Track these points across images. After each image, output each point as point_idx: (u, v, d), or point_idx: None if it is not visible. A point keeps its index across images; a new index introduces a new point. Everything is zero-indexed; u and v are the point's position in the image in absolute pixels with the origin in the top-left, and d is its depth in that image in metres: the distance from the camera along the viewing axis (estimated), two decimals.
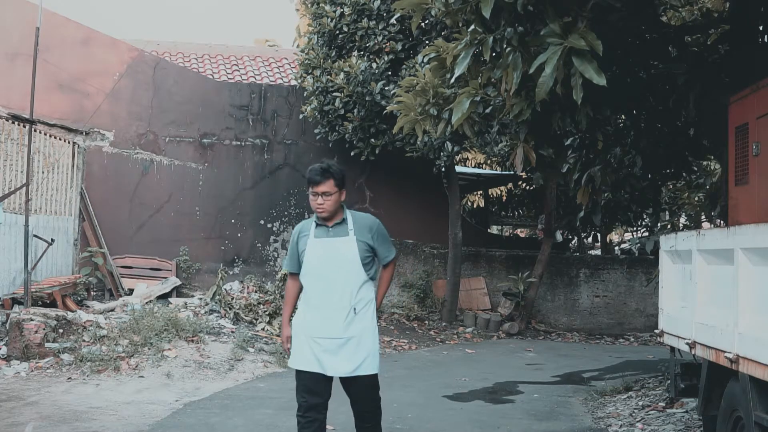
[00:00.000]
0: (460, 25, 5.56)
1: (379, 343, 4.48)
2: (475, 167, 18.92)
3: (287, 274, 4.61)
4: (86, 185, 13.19)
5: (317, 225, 4.42)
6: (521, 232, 22.53)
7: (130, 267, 13.37)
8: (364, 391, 4.39)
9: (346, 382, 4.37)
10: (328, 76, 12.30)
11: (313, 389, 4.28)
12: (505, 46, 5.06)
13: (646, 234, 14.87)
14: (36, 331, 8.36)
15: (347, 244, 4.34)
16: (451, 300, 13.44)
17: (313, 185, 4.34)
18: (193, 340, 9.27)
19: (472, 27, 5.18)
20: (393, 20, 11.72)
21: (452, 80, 5.95)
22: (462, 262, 13.71)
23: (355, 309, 4.30)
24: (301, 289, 4.51)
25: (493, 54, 5.15)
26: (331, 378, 4.32)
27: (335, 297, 4.30)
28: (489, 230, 19.84)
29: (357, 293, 4.33)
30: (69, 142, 12.69)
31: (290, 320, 4.54)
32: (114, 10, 48.88)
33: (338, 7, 12.27)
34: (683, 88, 6.89)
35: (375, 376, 4.41)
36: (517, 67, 4.94)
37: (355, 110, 12.16)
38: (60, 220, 12.22)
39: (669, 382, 6.11)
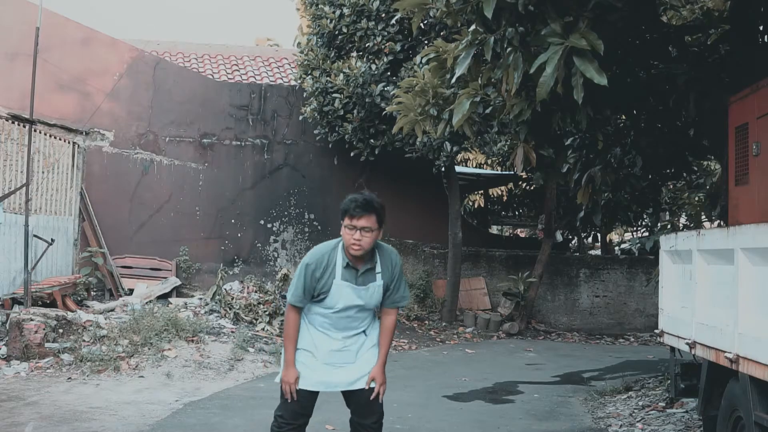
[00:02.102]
0: (459, 25, 5.55)
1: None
2: (476, 167, 18.92)
3: (290, 305, 4.01)
4: (86, 185, 13.19)
5: (346, 265, 3.91)
6: (521, 232, 22.53)
7: (130, 267, 13.37)
8: (374, 407, 4.07)
9: (351, 395, 4.08)
10: (328, 77, 12.30)
11: (306, 408, 4.02)
12: (506, 46, 5.06)
13: (646, 234, 14.87)
14: (36, 331, 8.36)
15: (376, 290, 3.98)
16: (451, 300, 13.44)
17: (352, 217, 3.80)
18: (193, 340, 9.27)
19: (473, 27, 5.18)
20: (392, 21, 11.72)
21: (453, 80, 5.95)
22: (462, 262, 13.71)
23: (365, 332, 4.09)
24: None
25: (494, 54, 5.15)
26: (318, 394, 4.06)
27: (352, 329, 4.04)
28: (489, 230, 19.85)
29: (367, 321, 4.12)
30: (69, 142, 12.69)
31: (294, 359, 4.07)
32: (114, 10, 48.89)
33: (337, 8, 12.27)
34: (683, 88, 6.88)
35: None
36: (518, 67, 4.94)
37: (355, 111, 12.16)
38: (60, 220, 12.22)
39: (669, 382, 6.13)
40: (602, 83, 4.35)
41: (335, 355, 4.00)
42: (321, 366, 3.99)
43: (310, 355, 4.00)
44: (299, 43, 13.58)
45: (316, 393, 4.03)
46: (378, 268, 3.97)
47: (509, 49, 5.04)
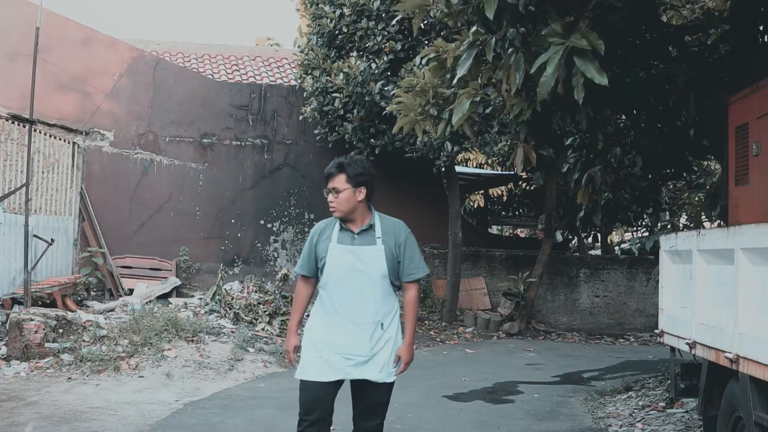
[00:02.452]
0: (459, 25, 5.55)
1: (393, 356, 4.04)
2: (476, 167, 18.92)
3: (298, 276, 4.08)
4: (86, 185, 13.19)
5: (341, 228, 3.94)
6: (521, 232, 22.52)
7: (130, 267, 13.36)
8: (379, 399, 3.96)
9: (362, 390, 3.97)
10: (328, 77, 12.30)
11: (317, 401, 3.84)
12: (507, 46, 5.06)
13: (647, 234, 14.87)
14: (36, 331, 8.36)
15: (375, 254, 3.87)
16: (451, 300, 13.44)
17: (326, 180, 3.90)
18: (193, 340, 9.27)
19: (474, 28, 5.18)
20: (393, 21, 11.72)
21: (454, 82, 5.95)
22: (462, 262, 13.71)
23: (382, 324, 3.91)
24: (313, 294, 4.12)
25: (494, 54, 5.15)
26: (337, 388, 3.93)
27: (362, 312, 3.88)
28: (489, 230, 19.84)
29: (383, 307, 3.92)
30: (69, 142, 12.69)
31: (298, 328, 4.12)
32: (114, 10, 48.88)
33: (338, 8, 12.27)
34: (683, 88, 6.88)
35: (392, 385, 4.03)
36: (519, 68, 4.94)
37: (355, 111, 12.15)
38: (60, 220, 12.22)
39: (669, 382, 6.13)
40: (603, 83, 4.35)
41: (345, 345, 3.86)
42: (331, 355, 3.88)
43: (320, 343, 3.91)
44: (299, 44, 13.57)
45: (328, 386, 3.86)
46: (378, 233, 3.91)
47: (510, 49, 5.04)
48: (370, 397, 3.96)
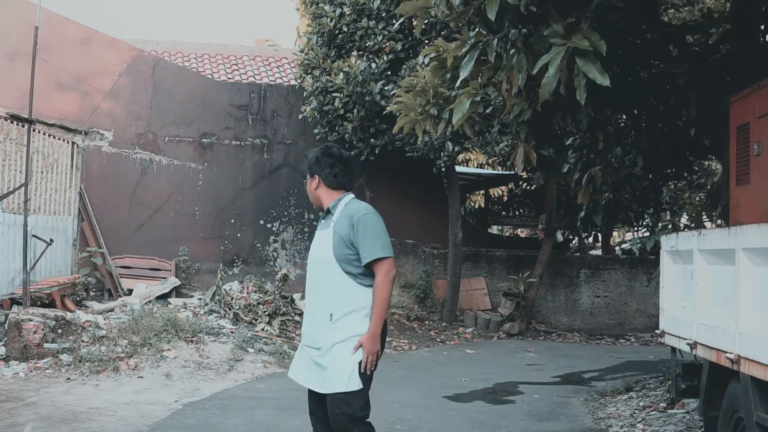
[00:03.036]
0: (460, 26, 5.54)
1: (353, 362, 3.65)
2: (477, 167, 18.91)
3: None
4: (85, 185, 13.17)
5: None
6: (521, 232, 22.51)
7: (130, 267, 13.35)
8: (330, 411, 3.67)
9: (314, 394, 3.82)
10: (328, 77, 12.28)
11: (310, 406, 3.87)
12: (509, 47, 5.05)
13: (647, 234, 14.84)
14: (35, 332, 8.34)
15: (326, 238, 3.76)
16: (451, 300, 13.42)
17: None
18: (192, 341, 9.25)
19: (476, 29, 5.17)
20: (393, 20, 11.70)
21: (458, 84, 5.93)
22: (462, 262, 13.69)
23: (331, 316, 3.69)
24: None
25: (496, 55, 5.13)
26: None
27: (315, 300, 3.81)
28: (489, 230, 19.83)
29: (335, 297, 3.70)
30: (68, 142, 12.66)
31: None
32: (113, 10, 48.88)
33: (338, 7, 12.25)
34: (684, 87, 6.87)
35: (343, 395, 3.62)
36: (521, 69, 4.93)
37: (355, 110, 12.14)
38: (59, 220, 12.20)
39: (670, 382, 6.12)
40: (605, 84, 4.34)
41: (307, 335, 3.85)
42: (302, 349, 3.91)
43: (301, 344, 3.98)
44: (298, 44, 13.56)
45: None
46: (335, 217, 3.79)
47: (512, 50, 5.03)
48: (328, 407, 3.70)
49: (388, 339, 12.19)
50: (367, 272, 3.69)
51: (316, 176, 3.91)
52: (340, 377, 3.62)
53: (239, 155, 14.23)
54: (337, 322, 3.68)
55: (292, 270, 13.06)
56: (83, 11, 44.59)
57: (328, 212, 3.86)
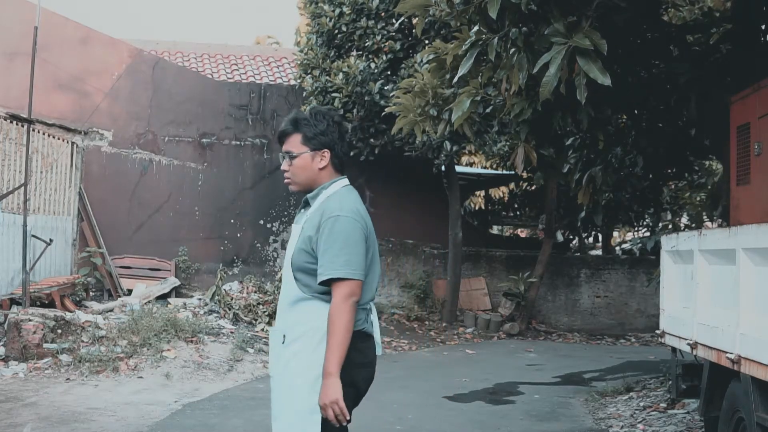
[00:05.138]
0: (460, 25, 5.53)
1: (304, 406, 2.75)
2: (480, 169, 18.91)
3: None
4: (85, 185, 13.15)
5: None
6: (522, 232, 22.52)
7: (129, 267, 13.33)
8: None
9: None
10: (327, 76, 12.28)
11: None
12: (509, 46, 5.04)
13: (648, 234, 14.85)
14: (34, 332, 8.33)
15: (294, 237, 2.92)
16: (451, 300, 13.41)
17: (279, 140, 2.98)
18: (192, 341, 9.24)
19: (476, 27, 5.16)
20: (392, 20, 11.69)
21: (455, 80, 5.93)
22: (462, 263, 13.68)
23: (284, 337, 2.86)
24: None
25: (496, 54, 5.12)
26: None
27: (280, 313, 2.98)
28: (489, 230, 19.83)
29: (288, 313, 2.88)
30: (67, 142, 12.65)
31: None
32: (113, 10, 48.87)
33: (337, 7, 12.25)
34: (685, 87, 6.86)
35: None
36: (522, 68, 4.92)
37: (355, 110, 12.13)
38: (58, 220, 12.18)
39: (670, 382, 6.11)
40: (606, 83, 4.33)
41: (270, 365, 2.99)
42: None
43: None
44: (298, 43, 13.55)
45: None
46: (311, 210, 2.91)
47: (513, 49, 5.03)
48: None
49: (387, 339, 12.17)
50: (312, 281, 2.83)
51: (328, 151, 2.95)
52: (285, 420, 2.80)
53: (239, 155, 14.22)
54: (288, 345, 2.83)
55: None
56: (83, 11, 44.60)
57: (307, 203, 2.96)
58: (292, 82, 14.65)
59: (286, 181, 2.95)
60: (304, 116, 2.91)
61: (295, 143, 2.90)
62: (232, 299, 11.01)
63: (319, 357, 2.72)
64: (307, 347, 2.77)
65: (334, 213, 2.78)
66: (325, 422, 2.70)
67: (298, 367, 2.77)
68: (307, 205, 2.95)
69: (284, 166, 2.93)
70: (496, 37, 5.00)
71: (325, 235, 2.76)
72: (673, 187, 12.64)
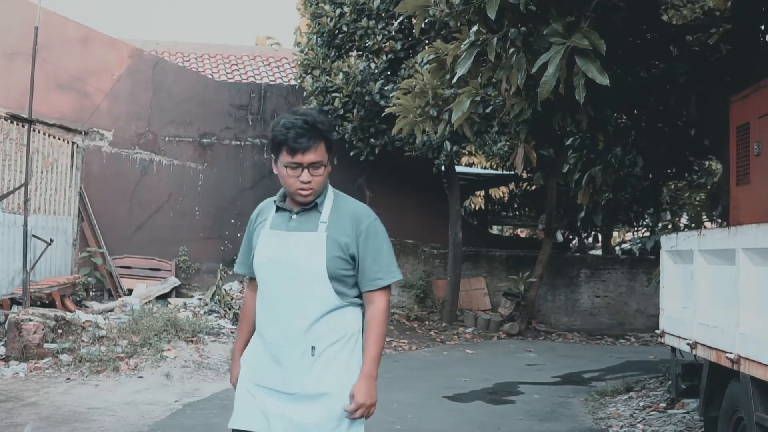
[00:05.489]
0: (460, 25, 5.54)
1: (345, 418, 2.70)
2: (480, 169, 18.91)
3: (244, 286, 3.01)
4: (85, 185, 13.15)
5: (278, 209, 2.82)
6: (522, 232, 22.52)
7: (129, 267, 13.34)
8: None
9: None
10: (327, 77, 12.28)
11: None
12: (508, 46, 5.04)
13: (647, 234, 14.85)
14: (35, 332, 8.33)
15: (312, 243, 2.70)
16: (451, 300, 13.41)
17: (295, 152, 2.65)
18: (192, 341, 9.25)
19: (476, 28, 5.16)
20: (393, 20, 11.69)
21: (454, 80, 5.93)
22: (462, 262, 13.68)
23: (313, 349, 2.69)
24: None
25: (496, 54, 5.13)
26: None
27: (288, 327, 2.72)
28: (489, 230, 19.83)
29: (318, 323, 2.70)
30: (68, 142, 12.65)
31: (241, 353, 2.96)
32: (113, 10, 48.86)
33: (338, 7, 12.25)
34: (684, 87, 6.87)
35: None
36: (521, 68, 4.93)
37: (355, 110, 12.13)
38: (59, 220, 12.19)
39: (670, 382, 6.11)
40: (604, 83, 4.34)
41: (271, 376, 2.74)
42: (260, 392, 2.78)
43: (250, 383, 2.82)
44: (298, 43, 13.55)
45: None
46: (323, 215, 2.74)
47: (512, 49, 5.03)
48: None
49: (387, 339, 12.27)
50: (356, 290, 2.78)
51: (330, 154, 2.77)
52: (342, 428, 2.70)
53: (239, 155, 14.22)
54: (321, 355, 2.70)
55: None
56: (83, 11, 44.58)
57: (311, 207, 2.77)
58: (292, 82, 14.65)
59: (307, 193, 2.70)
60: (321, 119, 2.70)
61: (321, 152, 2.69)
62: (232, 299, 11.01)
63: (355, 363, 2.74)
64: (345, 355, 2.74)
65: (370, 216, 2.78)
66: None
67: (339, 377, 2.71)
68: (311, 208, 2.77)
69: (306, 177, 2.68)
70: (495, 38, 5.00)
71: (372, 239, 2.74)
72: (672, 187, 12.65)
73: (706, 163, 12.09)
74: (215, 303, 11.21)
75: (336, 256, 2.70)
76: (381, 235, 2.77)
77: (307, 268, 2.69)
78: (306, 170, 2.68)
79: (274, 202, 2.85)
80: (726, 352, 4.05)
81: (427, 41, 11.47)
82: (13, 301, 9.73)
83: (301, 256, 2.70)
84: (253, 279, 2.90)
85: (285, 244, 2.74)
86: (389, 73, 11.86)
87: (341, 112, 12.25)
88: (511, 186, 19.09)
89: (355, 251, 2.72)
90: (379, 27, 11.96)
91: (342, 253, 2.71)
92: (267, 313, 2.78)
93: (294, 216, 2.77)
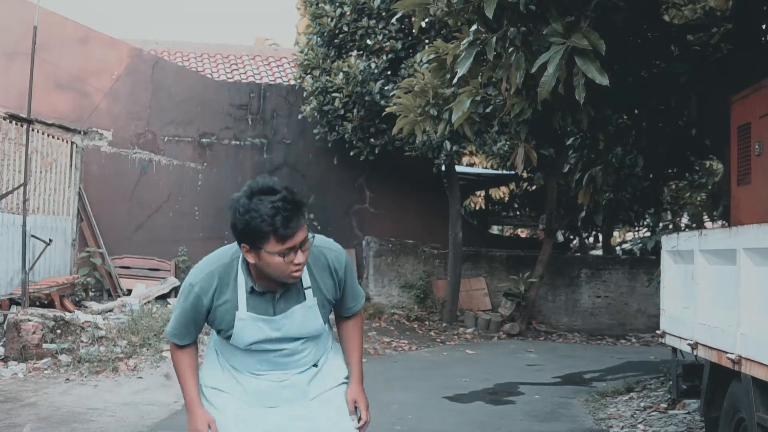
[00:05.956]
0: (459, 24, 5.53)
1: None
2: (481, 169, 18.90)
3: (171, 342, 2.82)
4: (84, 185, 13.15)
5: (252, 289, 2.61)
6: (522, 232, 22.51)
7: (129, 267, 13.33)
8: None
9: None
10: (327, 76, 12.27)
11: None
12: (508, 46, 5.03)
13: (648, 234, 14.84)
14: (34, 332, 8.32)
15: (305, 315, 2.67)
16: (451, 300, 13.40)
17: (285, 238, 2.42)
18: None
19: (475, 27, 5.15)
20: (393, 19, 11.68)
21: (454, 80, 5.92)
22: (462, 263, 13.66)
23: (317, 363, 2.82)
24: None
25: (495, 54, 5.12)
26: None
27: (292, 368, 2.76)
28: (490, 230, 19.81)
29: (317, 351, 2.81)
30: (67, 142, 12.64)
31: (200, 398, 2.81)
32: (113, 10, 48.87)
33: (338, 7, 12.23)
34: (685, 87, 6.86)
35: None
36: (520, 67, 4.91)
37: (355, 110, 12.12)
38: (58, 220, 12.18)
39: (671, 383, 6.09)
40: (604, 83, 4.32)
41: (271, 397, 2.76)
42: (247, 409, 2.75)
43: (229, 397, 2.77)
44: (298, 43, 13.56)
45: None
46: (305, 280, 2.64)
47: (511, 49, 5.02)
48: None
49: (387, 339, 12.20)
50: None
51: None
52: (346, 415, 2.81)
53: (239, 155, 14.21)
54: (324, 365, 2.85)
55: None
56: (82, 11, 44.61)
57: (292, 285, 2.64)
58: (292, 82, 14.64)
59: (300, 273, 2.54)
60: (290, 188, 2.49)
61: (304, 231, 2.50)
62: None
63: (342, 367, 2.88)
64: (333, 351, 2.89)
65: (341, 258, 2.73)
66: None
67: (340, 391, 2.84)
68: (268, 290, 2.62)
69: (300, 258, 2.49)
70: (495, 37, 4.99)
71: (349, 279, 2.76)
72: (673, 187, 12.63)
73: (707, 163, 12.08)
74: None
75: (327, 311, 2.75)
76: (351, 270, 2.79)
77: (304, 333, 2.71)
78: (299, 251, 2.47)
79: (243, 280, 2.60)
80: (727, 353, 4.03)
81: (427, 41, 11.46)
82: (12, 302, 9.72)
83: (298, 328, 2.68)
84: (184, 345, 2.79)
85: (277, 326, 2.65)
86: (389, 72, 11.85)
87: (341, 112, 12.24)
88: (512, 186, 19.07)
89: (335, 294, 2.76)
90: (380, 27, 11.95)
91: (330, 303, 2.76)
92: (264, 365, 2.74)
93: (279, 298, 2.63)
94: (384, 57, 11.87)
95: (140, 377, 8.09)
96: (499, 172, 17.46)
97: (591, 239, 17.54)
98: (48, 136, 12.01)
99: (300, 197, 2.48)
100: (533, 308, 14.00)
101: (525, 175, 15.50)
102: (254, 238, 2.43)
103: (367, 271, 14.03)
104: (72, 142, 12.81)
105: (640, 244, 13.72)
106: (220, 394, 2.78)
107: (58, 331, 8.70)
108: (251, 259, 2.49)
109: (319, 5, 12.52)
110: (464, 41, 5.24)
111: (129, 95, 13.87)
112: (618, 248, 18.35)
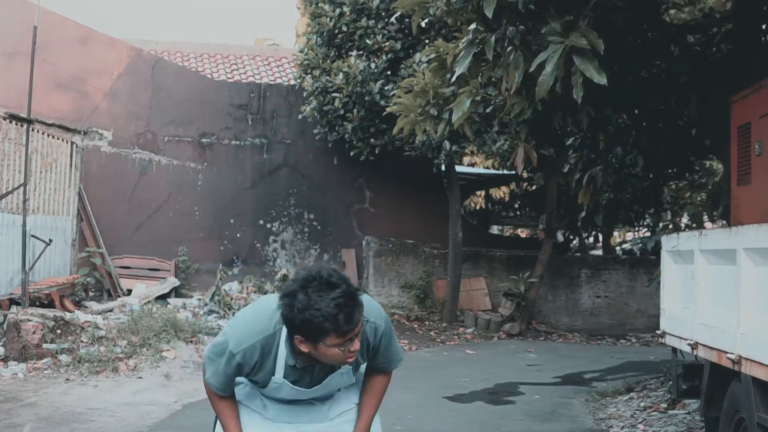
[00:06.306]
0: (459, 23, 5.53)
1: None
2: (481, 169, 18.89)
3: (212, 392, 2.89)
4: (84, 185, 13.14)
5: (290, 365, 2.58)
6: (522, 232, 22.51)
7: (129, 267, 13.33)
8: None
9: None
10: (327, 76, 12.27)
11: None
12: (506, 45, 5.03)
13: (648, 234, 14.84)
14: (34, 332, 8.32)
15: (339, 378, 2.71)
16: (451, 300, 13.40)
17: (346, 333, 2.38)
18: (192, 341, 9.23)
19: (474, 26, 5.15)
20: (392, 19, 11.68)
21: (453, 79, 5.92)
22: (462, 263, 13.66)
23: (329, 405, 2.85)
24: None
25: (495, 53, 5.12)
26: None
27: (317, 410, 2.84)
28: (490, 230, 19.81)
29: (340, 395, 2.88)
30: (67, 142, 12.64)
31: None
32: (113, 10, 48.86)
33: (337, 7, 12.23)
34: (685, 87, 6.86)
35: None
36: (519, 66, 4.91)
37: (355, 110, 12.12)
38: (58, 220, 12.17)
39: (671, 383, 6.09)
40: (602, 82, 4.32)
41: (291, 414, 2.81)
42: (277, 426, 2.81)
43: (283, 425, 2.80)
44: (298, 44, 13.57)
45: None
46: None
47: (510, 48, 5.01)
48: None
49: None
50: None
51: None
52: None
53: (239, 155, 14.21)
54: (340, 416, 2.87)
55: (291, 270, 13.04)
56: (82, 11, 44.60)
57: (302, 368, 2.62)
58: (292, 82, 14.64)
59: (352, 359, 2.52)
60: (347, 279, 2.44)
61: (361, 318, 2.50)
62: (231, 299, 11.00)
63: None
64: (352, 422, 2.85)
65: (372, 319, 2.61)
66: None
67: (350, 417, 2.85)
68: (309, 364, 2.60)
69: (356, 345, 2.46)
70: (494, 36, 4.99)
71: (384, 337, 2.66)
72: (673, 187, 12.64)
73: (707, 163, 12.08)
74: (215, 303, 11.20)
75: (358, 365, 2.72)
76: (388, 336, 2.70)
77: (334, 389, 2.77)
78: (355, 339, 2.44)
79: (283, 352, 2.56)
80: (727, 353, 4.04)
81: (427, 40, 11.45)
82: (12, 302, 9.72)
83: (330, 389, 2.74)
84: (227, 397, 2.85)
85: (310, 392, 2.70)
86: (389, 72, 11.85)
87: (341, 112, 12.24)
88: (512, 186, 19.06)
89: (372, 352, 2.70)
90: (379, 26, 11.95)
91: (361, 362, 2.71)
92: (291, 413, 2.79)
93: (317, 369, 2.61)
94: (384, 57, 11.86)
95: (140, 377, 8.09)
96: (499, 172, 17.45)
97: (591, 239, 17.53)
98: (48, 136, 12.01)
99: (356, 287, 2.41)
100: (533, 308, 14.00)
101: (525, 175, 15.49)
102: (314, 334, 2.36)
103: (367, 271, 14.04)
104: (72, 142, 12.81)
105: (640, 244, 13.73)
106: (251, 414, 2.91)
107: (58, 331, 8.70)
108: (305, 349, 2.43)
109: (319, 5, 12.51)
110: (463, 40, 5.25)
111: (129, 95, 13.87)
112: (618, 248, 18.34)
